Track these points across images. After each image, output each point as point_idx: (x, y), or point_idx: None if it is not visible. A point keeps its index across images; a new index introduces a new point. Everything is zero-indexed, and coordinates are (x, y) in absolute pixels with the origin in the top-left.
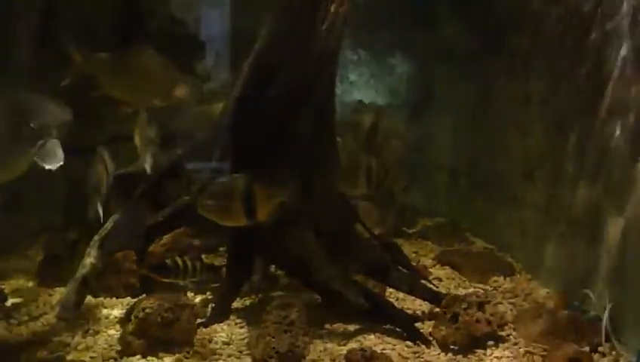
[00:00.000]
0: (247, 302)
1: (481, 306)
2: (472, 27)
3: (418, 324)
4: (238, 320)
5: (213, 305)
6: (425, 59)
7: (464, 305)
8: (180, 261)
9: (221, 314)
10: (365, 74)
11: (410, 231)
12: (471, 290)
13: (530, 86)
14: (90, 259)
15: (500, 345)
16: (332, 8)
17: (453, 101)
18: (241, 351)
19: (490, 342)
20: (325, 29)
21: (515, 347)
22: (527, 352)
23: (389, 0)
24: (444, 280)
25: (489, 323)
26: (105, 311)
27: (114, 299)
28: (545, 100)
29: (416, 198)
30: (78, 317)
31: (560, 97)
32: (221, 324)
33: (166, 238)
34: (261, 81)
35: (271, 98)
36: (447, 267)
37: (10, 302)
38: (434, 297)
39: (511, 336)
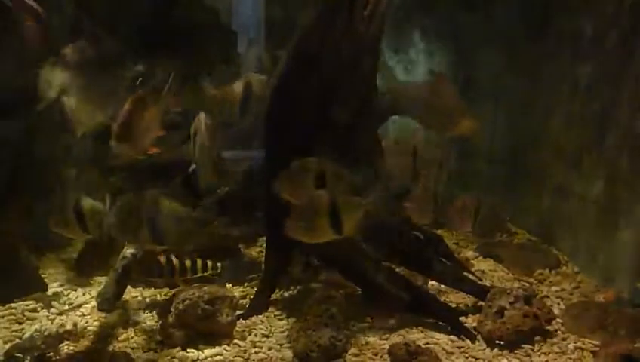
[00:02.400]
0: (287, 294)
1: (527, 300)
2: (516, 10)
3: (462, 318)
4: (277, 313)
5: (252, 296)
6: (465, 45)
7: (510, 299)
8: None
9: (260, 306)
10: (404, 60)
11: None
12: (516, 284)
13: (577, 72)
14: (130, 250)
15: (548, 340)
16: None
17: (495, 88)
18: (281, 344)
19: (538, 337)
20: (367, 15)
21: (564, 342)
22: (576, 348)
23: None
24: (487, 272)
25: (536, 317)
26: (144, 302)
27: (152, 289)
28: (593, 87)
29: (455, 188)
30: (118, 307)
31: (609, 84)
32: (260, 316)
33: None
34: (301, 70)
35: (311, 87)
36: (490, 259)
37: (50, 291)
38: (478, 290)
39: (559, 331)
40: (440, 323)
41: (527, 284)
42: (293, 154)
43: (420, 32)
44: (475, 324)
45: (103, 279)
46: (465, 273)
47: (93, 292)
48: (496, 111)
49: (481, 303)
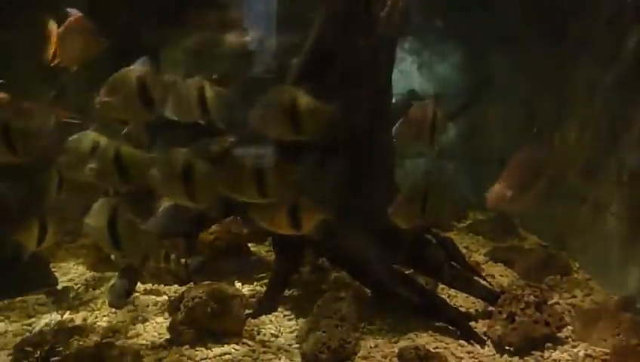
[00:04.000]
0: (295, 294)
1: (538, 306)
2: (530, 12)
3: (472, 323)
4: (286, 312)
5: (262, 296)
6: (479, 47)
7: (521, 305)
8: None
9: (269, 305)
10: (417, 61)
11: (460, 225)
12: (526, 289)
13: (594, 76)
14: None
15: (559, 347)
16: None
17: (508, 90)
18: (290, 344)
19: (548, 344)
20: (385, 16)
21: (574, 350)
22: (587, 356)
23: None
24: (498, 277)
25: (547, 324)
26: (152, 299)
27: (161, 286)
28: (609, 91)
29: (466, 191)
30: (127, 303)
31: (625, 88)
32: (269, 316)
33: (215, 227)
34: (317, 69)
35: (326, 86)
36: (501, 264)
37: (60, 285)
38: (488, 295)
39: (570, 338)
40: (450, 327)
41: (538, 290)
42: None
43: (433, 33)
44: (484, 329)
45: (111, 274)
46: (475, 277)
47: (103, 288)
48: (509, 114)
49: (491, 308)
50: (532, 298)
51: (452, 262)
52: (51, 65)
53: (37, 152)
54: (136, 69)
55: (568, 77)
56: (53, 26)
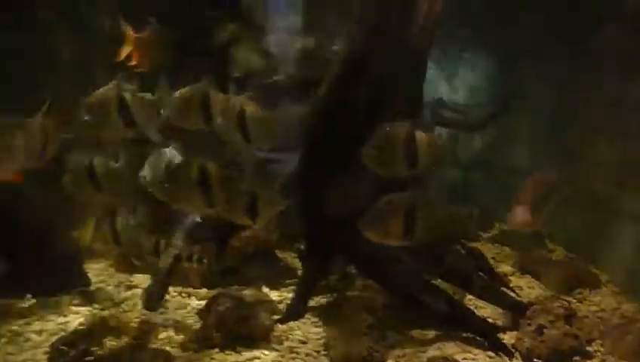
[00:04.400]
0: (323, 301)
1: (568, 319)
2: (558, 23)
3: (499, 334)
4: (313, 319)
5: (290, 302)
6: (506, 58)
7: (550, 317)
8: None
9: (297, 311)
10: (444, 71)
11: (486, 235)
12: (554, 301)
13: (622, 88)
14: (175, 250)
15: (587, 361)
16: (426, 6)
17: (535, 102)
18: (318, 351)
19: (577, 358)
20: (418, 28)
21: None
22: None
23: None
24: (525, 289)
25: (576, 337)
26: (182, 302)
27: (190, 289)
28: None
29: (493, 201)
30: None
31: None
32: (297, 322)
33: (244, 233)
34: (350, 79)
35: (360, 96)
36: (528, 275)
37: (93, 286)
38: (517, 307)
39: (598, 352)
40: (477, 338)
41: (566, 303)
42: (336, 163)
43: (460, 44)
44: (512, 341)
45: (140, 276)
46: (503, 288)
47: (133, 290)
48: (537, 125)
49: (519, 320)
50: (561, 310)
51: (480, 273)
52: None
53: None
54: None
55: (597, 88)
56: (129, 31)
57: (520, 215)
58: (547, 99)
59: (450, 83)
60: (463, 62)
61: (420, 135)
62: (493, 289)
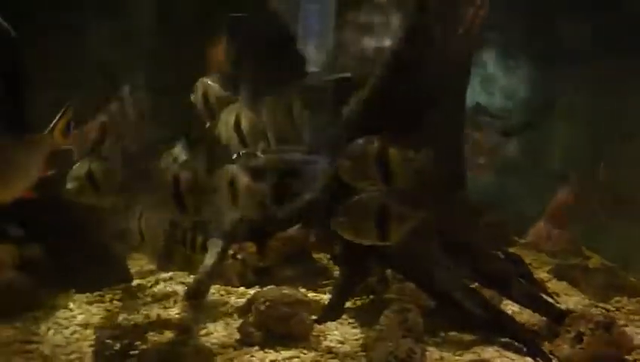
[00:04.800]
0: (359, 303)
1: (607, 327)
2: (599, 25)
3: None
4: (350, 320)
5: (328, 302)
6: (544, 61)
7: (590, 325)
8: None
9: (335, 312)
10: (481, 75)
11: (522, 240)
12: (592, 309)
13: None
14: (217, 249)
15: None
16: (471, 11)
17: (574, 106)
18: (356, 352)
19: None
20: (463, 33)
21: None
22: None
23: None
24: (562, 296)
25: (616, 346)
26: (221, 299)
27: (228, 287)
28: None
29: (529, 206)
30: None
31: None
32: (334, 323)
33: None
34: (393, 83)
35: (402, 100)
36: (564, 282)
37: (135, 281)
38: (555, 313)
39: (638, 361)
40: (515, 343)
41: (606, 311)
42: None
43: (498, 48)
44: (551, 348)
45: (180, 273)
46: (542, 294)
47: (174, 286)
48: (576, 130)
49: (556, 326)
50: (601, 318)
51: (519, 278)
52: None
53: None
54: None
55: (637, 92)
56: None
57: (540, 231)
58: (586, 103)
59: (487, 87)
60: (500, 66)
61: (393, 151)
62: (532, 295)
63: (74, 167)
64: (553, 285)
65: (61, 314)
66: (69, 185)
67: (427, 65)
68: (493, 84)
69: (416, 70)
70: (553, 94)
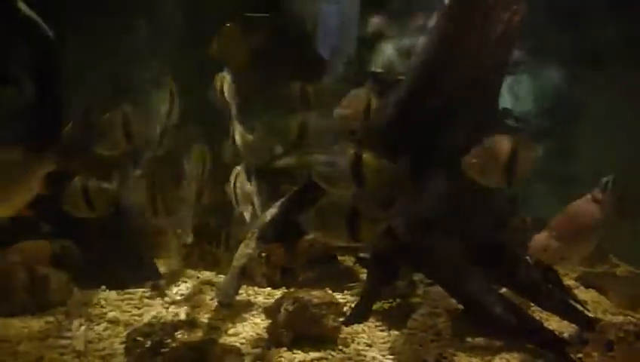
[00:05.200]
0: (385, 306)
1: (638, 336)
2: (622, 29)
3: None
4: (377, 323)
5: (355, 304)
6: (571, 64)
7: (620, 333)
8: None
9: (362, 314)
10: (507, 80)
11: None
12: (621, 318)
13: None
14: (248, 249)
15: None
16: (505, 18)
17: (599, 110)
18: (384, 355)
19: None
20: (498, 36)
21: None
22: None
23: None
24: (590, 303)
25: None
26: (248, 300)
27: (255, 288)
28: None
29: (553, 212)
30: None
31: None
32: (361, 325)
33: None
34: (423, 90)
35: (432, 107)
36: (592, 290)
37: (163, 281)
38: (584, 321)
39: None
40: (543, 349)
41: (636, 319)
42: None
43: (525, 50)
44: (580, 356)
45: (208, 273)
46: (571, 302)
47: (203, 285)
48: (602, 134)
49: (586, 334)
50: (631, 326)
51: (549, 284)
52: None
53: None
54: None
55: None
56: None
57: (541, 242)
58: (611, 108)
59: (513, 91)
60: (526, 70)
61: (367, 157)
62: (561, 301)
63: (70, 184)
64: (580, 292)
65: (92, 311)
66: (65, 203)
67: (456, 71)
68: (519, 87)
69: (445, 77)
70: (581, 99)
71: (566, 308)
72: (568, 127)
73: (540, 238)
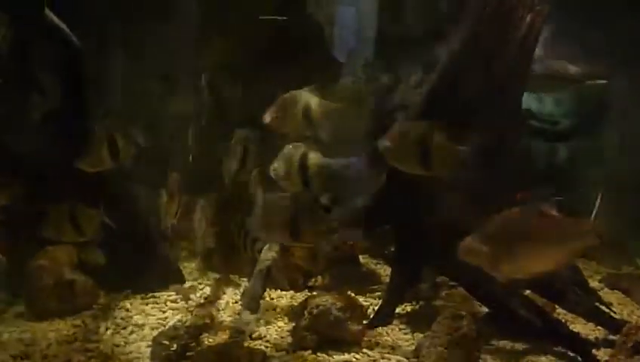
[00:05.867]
0: (408, 309)
1: None
2: None
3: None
4: (401, 326)
5: (378, 307)
6: (595, 62)
7: None
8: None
9: (385, 317)
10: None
11: None
12: None
13: None
14: (272, 253)
15: None
16: (528, 20)
17: (625, 111)
18: (408, 358)
19: None
20: (521, 37)
21: None
22: None
23: None
24: (616, 305)
25: None
26: (272, 303)
27: (278, 291)
28: None
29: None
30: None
31: None
32: (385, 328)
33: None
34: (446, 92)
35: (455, 110)
36: (617, 292)
37: (187, 284)
38: (611, 323)
39: None
40: (570, 353)
41: None
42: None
43: (543, 50)
44: (606, 358)
45: (232, 277)
46: (597, 304)
47: (226, 288)
48: (629, 135)
49: (612, 337)
50: None
51: (575, 287)
52: None
53: None
54: None
55: None
56: None
57: (468, 245)
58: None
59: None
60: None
61: (312, 156)
62: (587, 304)
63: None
64: (605, 294)
65: (119, 314)
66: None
67: (479, 76)
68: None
69: (468, 81)
70: (605, 99)
71: (592, 310)
72: (593, 128)
73: (468, 243)
